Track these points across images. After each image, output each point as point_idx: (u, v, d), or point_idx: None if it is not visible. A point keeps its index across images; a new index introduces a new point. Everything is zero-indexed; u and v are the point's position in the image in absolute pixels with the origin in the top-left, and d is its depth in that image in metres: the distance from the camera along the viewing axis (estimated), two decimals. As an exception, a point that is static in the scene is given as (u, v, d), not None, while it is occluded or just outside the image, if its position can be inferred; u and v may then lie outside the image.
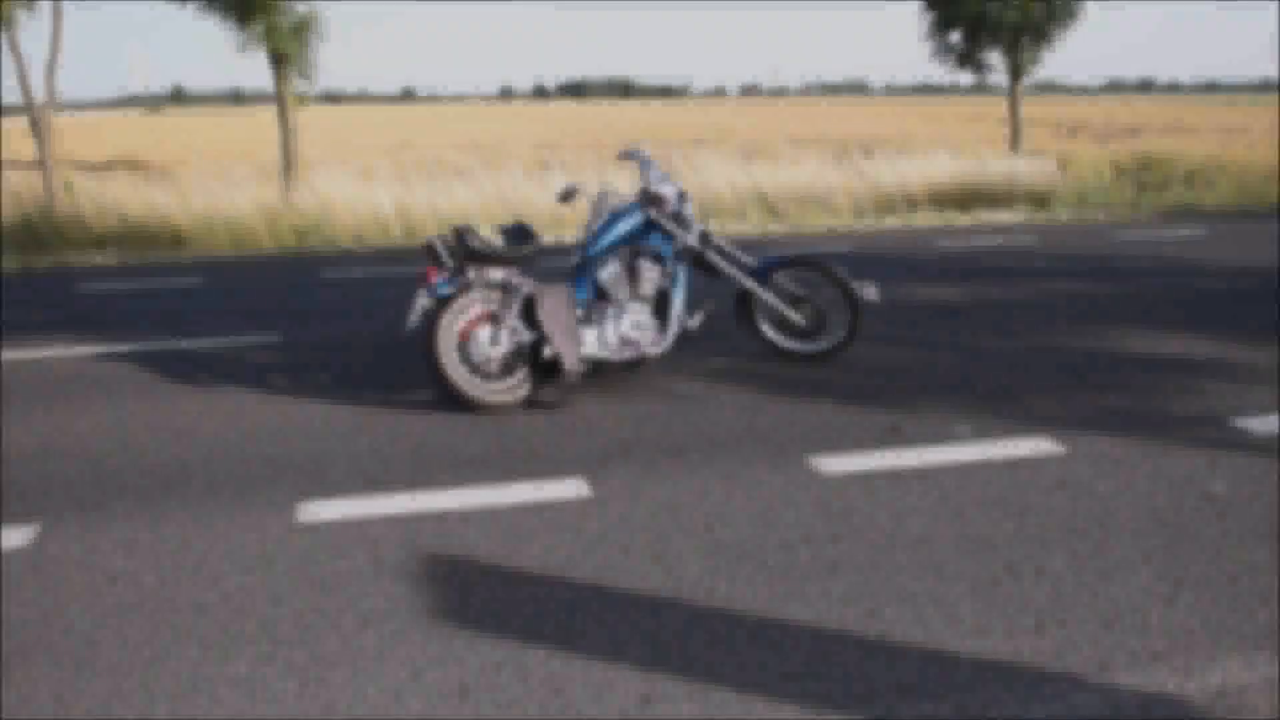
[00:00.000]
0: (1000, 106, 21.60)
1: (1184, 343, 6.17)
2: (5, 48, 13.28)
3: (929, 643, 2.88)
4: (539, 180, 14.13)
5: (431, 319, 5.03)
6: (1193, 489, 3.91)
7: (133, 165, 19.94)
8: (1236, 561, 3.31)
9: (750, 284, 5.83)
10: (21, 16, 13.34)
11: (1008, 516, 3.70)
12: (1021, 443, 4.46)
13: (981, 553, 3.43)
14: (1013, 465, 4.20)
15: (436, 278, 5.09)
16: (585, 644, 2.92)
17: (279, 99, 14.34)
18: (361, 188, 13.33)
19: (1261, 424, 4.62)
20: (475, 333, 5.10)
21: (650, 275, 5.54)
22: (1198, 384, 5.30)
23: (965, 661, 2.78)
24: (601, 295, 5.49)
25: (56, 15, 13.98)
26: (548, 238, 9.84)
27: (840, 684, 2.70)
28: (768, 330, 5.97)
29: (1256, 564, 3.29)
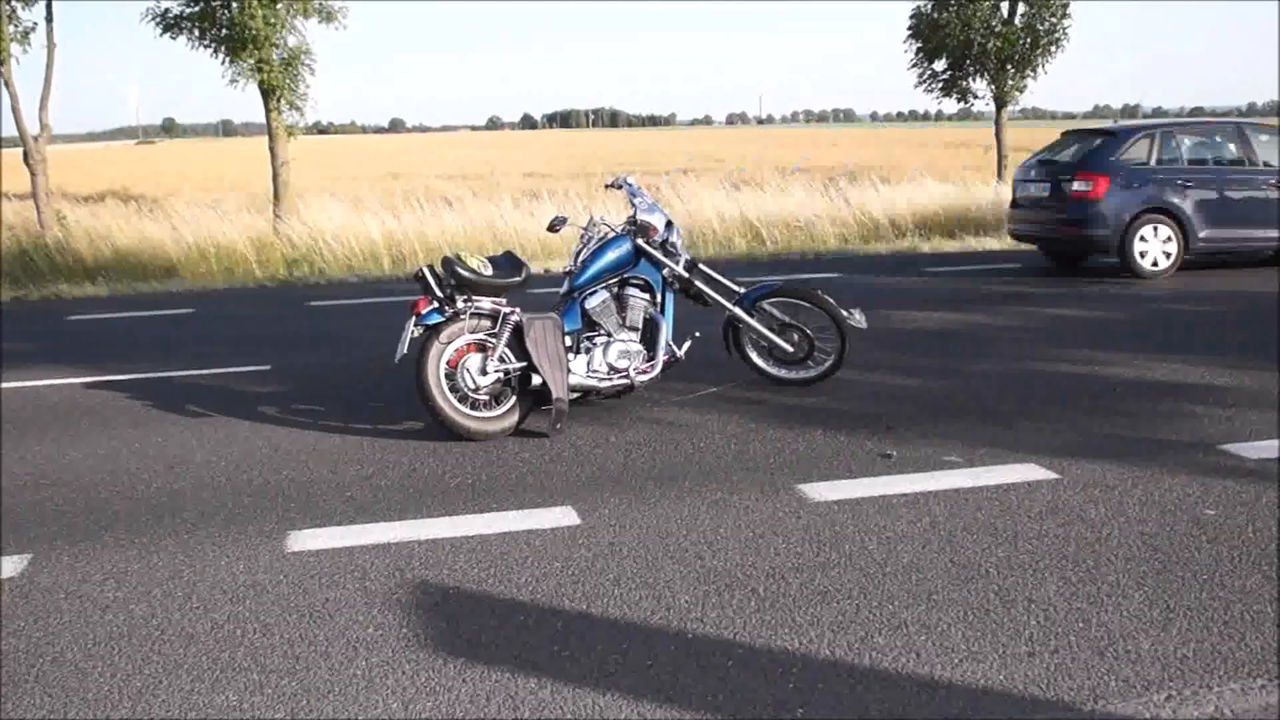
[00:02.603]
0: (986, 134, 21.80)
1: (1173, 367, 6.20)
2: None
3: (920, 670, 2.88)
4: (527, 209, 14.21)
5: (421, 348, 5.04)
6: (1184, 515, 3.91)
7: (125, 197, 19.91)
8: (1229, 588, 3.31)
9: (738, 312, 5.84)
10: (15, 50, 13.44)
11: (999, 543, 3.71)
12: (1012, 469, 4.47)
13: (973, 580, 3.43)
14: (1003, 492, 4.21)
15: (426, 307, 5.09)
16: (575, 672, 2.91)
17: (269, 130, 14.42)
18: (351, 218, 13.40)
19: (1252, 449, 4.63)
20: (464, 361, 5.11)
21: (638, 304, 5.56)
22: (1188, 409, 5.33)
23: (957, 689, 2.78)
24: (590, 324, 5.51)
25: (49, 49, 14.07)
26: (536, 267, 9.86)
27: (832, 712, 2.69)
28: (756, 358, 5.99)
29: (1249, 590, 3.29)
